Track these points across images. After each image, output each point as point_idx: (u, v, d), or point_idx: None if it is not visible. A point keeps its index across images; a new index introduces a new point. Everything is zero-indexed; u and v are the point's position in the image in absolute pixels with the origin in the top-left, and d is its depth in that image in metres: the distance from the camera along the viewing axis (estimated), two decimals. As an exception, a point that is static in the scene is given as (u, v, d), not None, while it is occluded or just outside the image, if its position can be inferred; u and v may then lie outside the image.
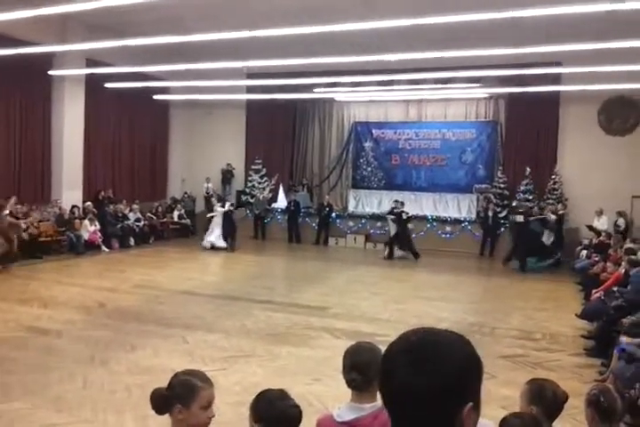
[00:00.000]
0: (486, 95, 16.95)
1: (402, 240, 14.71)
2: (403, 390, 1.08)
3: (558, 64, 13.78)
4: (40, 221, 13.63)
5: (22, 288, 9.82)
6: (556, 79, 14.70)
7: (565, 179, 15.56)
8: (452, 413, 1.07)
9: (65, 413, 4.72)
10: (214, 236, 15.41)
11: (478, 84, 15.39)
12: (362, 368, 2.22)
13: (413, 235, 16.52)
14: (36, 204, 14.36)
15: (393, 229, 14.80)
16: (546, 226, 13.68)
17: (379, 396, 2.02)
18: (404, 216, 14.73)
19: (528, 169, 15.65)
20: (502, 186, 16.28)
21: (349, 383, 2.28)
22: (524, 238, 13.39)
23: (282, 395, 2.29)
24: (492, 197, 16.12)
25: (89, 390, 5.27)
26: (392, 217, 14.82)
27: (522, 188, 15.76)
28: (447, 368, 1.07)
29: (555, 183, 15.54)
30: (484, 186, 16.85)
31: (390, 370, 1.11)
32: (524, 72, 13.37)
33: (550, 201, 15.33)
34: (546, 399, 2.84)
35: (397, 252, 14.67)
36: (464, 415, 1.07)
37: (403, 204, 15.19)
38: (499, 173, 16.53)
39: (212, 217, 15.68)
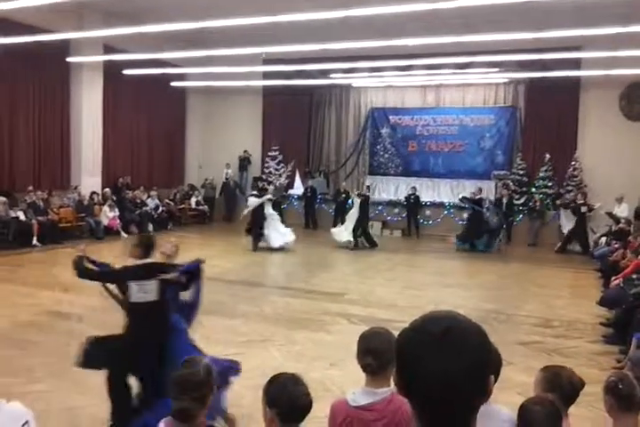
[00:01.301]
0: (505, 80, 16.74)
1: (363, 225, 14.23)
2: (436, 377, 1.09)
3: (579, 48, 13.55)
4: (60, 207, 13.82)
5: (43, 273, 9.98)
6: (576, 64, 14.46)
7: (585, 165, 15.36)
8: (481, 390, 1.12)
9: (86, 395, 4.81)
10: (278, 237, 13.38)
11: (497, 69, 15.20)
12: (376, 353, 2.24)
13: (430, 221, 16.53)
14: (56, 190, 14.55)
15: (355, 214, 14.06)
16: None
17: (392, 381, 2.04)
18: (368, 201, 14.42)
19: (547, 155, 15.49)
20: (521, 172, 16.14)
21: (364, 368, 2.30)
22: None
23: (294, 380, 2.23)
24: (511, 183, 15.98)
25: (109, 373, 5.36)
26: (358, 200, 14.20)
27: (541, 174, 15.63)
28: (475, 351, 1.11)
29: (574, 170, 15.36)
30: (502, 172, 16.70)
31: (419, 357, 1.11)
32: (544, 57, 13.16)
33: (570, 188, 15.18)
34: (561, 387, 2.82)
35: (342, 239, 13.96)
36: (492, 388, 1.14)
37: (369, 188, 15.35)
38: (518, 160, 16.37)
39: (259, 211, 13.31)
